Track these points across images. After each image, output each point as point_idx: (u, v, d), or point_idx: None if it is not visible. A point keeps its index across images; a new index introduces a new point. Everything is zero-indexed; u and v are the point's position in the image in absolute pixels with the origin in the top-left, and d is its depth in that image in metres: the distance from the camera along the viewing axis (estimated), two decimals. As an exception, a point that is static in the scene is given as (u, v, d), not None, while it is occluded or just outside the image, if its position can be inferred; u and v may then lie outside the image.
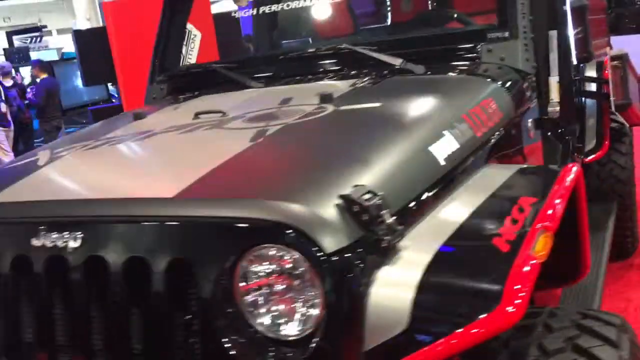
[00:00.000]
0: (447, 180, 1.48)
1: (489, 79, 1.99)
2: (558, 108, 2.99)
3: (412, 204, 1.33)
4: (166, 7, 2.82)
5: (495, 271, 1.09)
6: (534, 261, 1.11)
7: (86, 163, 1.78)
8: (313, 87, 2.15)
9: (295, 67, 2.44)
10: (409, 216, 1.30)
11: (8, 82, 10.19)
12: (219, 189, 1.34)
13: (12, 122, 9.46)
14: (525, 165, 1.69)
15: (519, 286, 1.05)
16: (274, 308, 1.19)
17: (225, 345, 1.15)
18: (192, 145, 1.72)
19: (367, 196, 1.20)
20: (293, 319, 1.18)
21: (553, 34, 2.99)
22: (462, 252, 1.19)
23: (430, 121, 1.61)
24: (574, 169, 1.59)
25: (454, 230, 1.25)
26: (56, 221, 1.31)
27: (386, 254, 1.16)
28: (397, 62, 2.17)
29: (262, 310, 1.18)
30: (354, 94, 1.96)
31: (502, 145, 1.86)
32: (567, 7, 2.98)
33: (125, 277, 1.26)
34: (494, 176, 1.55)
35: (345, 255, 1.14)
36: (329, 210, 1.18)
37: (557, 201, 1.33)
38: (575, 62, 3.24)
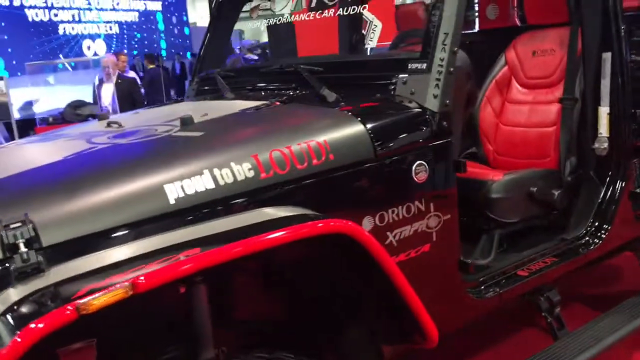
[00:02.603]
0: (169, 221, 1.48)
1: (350, 116, 1.83)
2: (606, 145, 2.55)
3: (85, 239, 1.39)
4: (214, 13, 3.07)
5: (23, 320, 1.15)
6: (69, 311, 1.13)
7: None
8: (230, 105, 2.22)
9: (266, 81, 2.50)
10: (73, 250, 1.38)
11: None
12: None
13: None
14: (298, 213, 1.56)
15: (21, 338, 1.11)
16: None
17: None
18: (35, 155, 1.99)
19: (15, 224, 1.33)
20: None
21: (607, 56, 2.53)
22: (45, 294, 1.25)
23: (199, 159, 1.59)
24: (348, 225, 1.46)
25: (86, 270, 1.31)
26: None
27: (14, 282, 1.30)
28: (318, 87, 2.11)
29: None
30: (215, 120, 1.98)
31: (328, 190, 1.71)
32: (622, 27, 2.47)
33: None
34: (239, 222, 1.49)
35: None
36: None
37: (187, 257, 1.26)
38: (658, 90, 2.68)
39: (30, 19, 19.55)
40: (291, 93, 2.23)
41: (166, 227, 1.47)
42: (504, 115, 2.98)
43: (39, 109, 8.57)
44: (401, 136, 1.87)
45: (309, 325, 1.86)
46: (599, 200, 2.57)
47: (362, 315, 1.82)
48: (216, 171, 1.56)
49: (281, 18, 3.19)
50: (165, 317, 1.67)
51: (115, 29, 19.80)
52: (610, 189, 2.58)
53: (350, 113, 1.84)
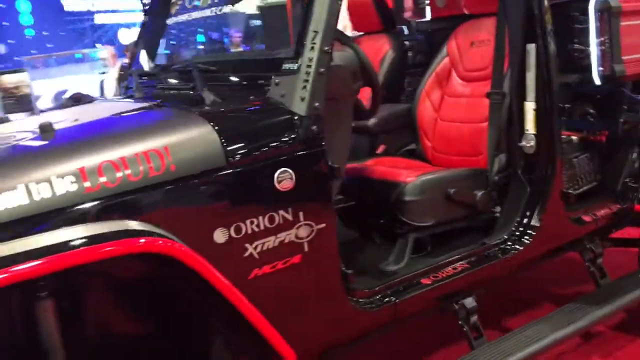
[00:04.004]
0: None
1: (202, 121, 1.74)
2: (533, 142, 2.39)
3: None
4: (147, 9, 3.00)
5: None
6: None
7: None
8: (109, 108, 2.15)
9: (178, 79, 2.41)
10: None
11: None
12: None
13: None
14: (113, 230, 1.50)
15: None
16: None
17: None
18: None
19: None
20: None
21: (530, 48, 2.36)
22: None
23: (19, 172, 1.52)
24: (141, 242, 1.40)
25: None
26: None
27: None
28: (200, 87, 2.02)
29: None
30: (75, 127, 1.89)
31: (171, 202, 1.63)
32: (546, 16, 2.28)
33: None
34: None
35: None
36: None
37: None
38: (598, 82, 2.48)
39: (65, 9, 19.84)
40: (187, 93, 2.16)
41: None
42: (443, 110, 2.83)
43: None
44: (260, 142, 1.77)
45: (166, 342, 1.81)
46: (525, 202, 2.42)
47: (215, 333, 1.75)
48: (32, 186, 1.49)
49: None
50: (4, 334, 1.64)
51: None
52: (537, 189, 2.42)
53: (203, 118, 1.75)
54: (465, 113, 2.71)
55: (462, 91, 2.78)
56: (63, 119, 2.03)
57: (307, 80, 1.82)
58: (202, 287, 1.58)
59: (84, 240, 1.45)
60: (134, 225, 1.55)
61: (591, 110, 2.84)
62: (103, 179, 1.56)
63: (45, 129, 1.81)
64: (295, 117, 1.82)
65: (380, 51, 3.28)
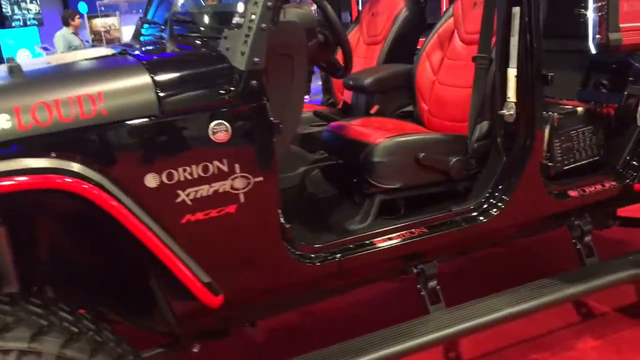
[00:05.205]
0: None
1: (140, 71, 1.79)
2: (513, 111, 2.30)
3: None
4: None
5: None
6: None
7: None
8: (85, 54, 2.25)
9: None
10: None
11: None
12: None
13: None
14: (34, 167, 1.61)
15: None
16: None
17: None
18: None
19: None
20: None
21: (515, 11, 2.24)
22: None
23: None
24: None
25: None
26: None
27: None
28: (167, 38, 2.08)
29: None
30: (38, 70, 2.00)
31: (101, 144, 1.71)
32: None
33: None
34: None
35: None
36: None
37: None
38: (593, 50, 2.33)
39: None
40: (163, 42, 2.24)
41: None
42: (441, 73, 2.76)
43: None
44: (196, 94, 1.83)
45: (107, 275, 1.95)
46: (499, 172, 2.34)
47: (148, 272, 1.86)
48: None
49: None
50: None
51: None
52: (513, 160, 2.33)
53: (144, 67, 1.82)
54: (462, 77, 2.62)
55: (461, 54, 2.69)
56: (40, 62, 2.18)
57: (248, 36, 1.85)
58: (119, 229, 1.68)
59: (4, 172, 1.59)
60: (56, 163, 1.66)
61: (604, 81, 2.68)
62: (36, 119, 1.68)
63: (13, 70, 1.96)
64: (235, 72, 1.86)
65: (395, 8, 3.22)
